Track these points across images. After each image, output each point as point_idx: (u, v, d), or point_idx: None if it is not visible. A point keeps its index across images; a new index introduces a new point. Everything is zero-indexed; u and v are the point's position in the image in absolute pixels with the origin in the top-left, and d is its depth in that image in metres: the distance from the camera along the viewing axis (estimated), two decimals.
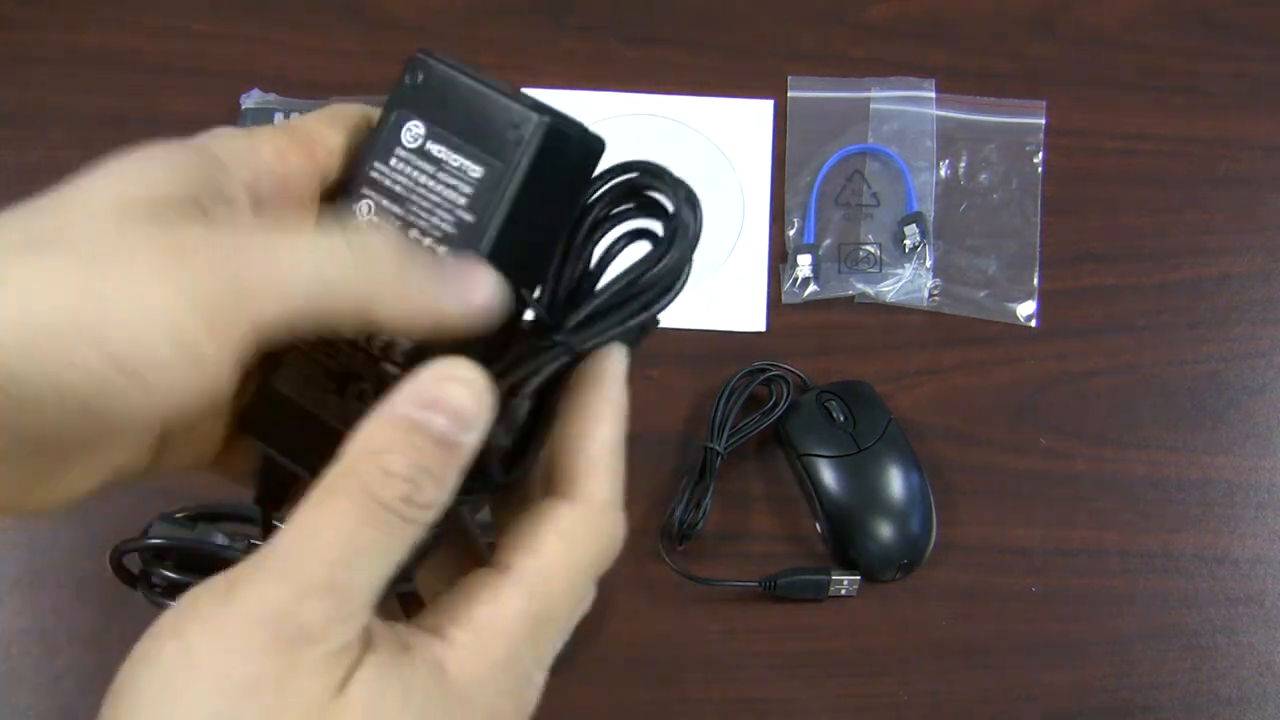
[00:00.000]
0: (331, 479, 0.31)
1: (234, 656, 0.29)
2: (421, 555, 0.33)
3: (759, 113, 0.79)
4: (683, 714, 0.69)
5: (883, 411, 0.72)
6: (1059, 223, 0.77)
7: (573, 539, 0.34)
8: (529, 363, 0.36)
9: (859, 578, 0.70)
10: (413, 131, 0.36)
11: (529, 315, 0.37)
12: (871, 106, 0.79)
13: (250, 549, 0.64)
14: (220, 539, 0.65)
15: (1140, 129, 0.79)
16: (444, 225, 0.36)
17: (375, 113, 0.37)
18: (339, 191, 0.37)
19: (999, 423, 0.74)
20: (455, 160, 0.36)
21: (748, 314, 0.76)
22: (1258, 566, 0.72)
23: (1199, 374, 0.75)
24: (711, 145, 0.78)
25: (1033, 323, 0.76)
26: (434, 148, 0.36)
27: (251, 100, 0.78)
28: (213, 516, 0.67)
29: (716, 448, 0.70)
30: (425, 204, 0.36)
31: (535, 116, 0.35)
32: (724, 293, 0.76)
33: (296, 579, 0.30)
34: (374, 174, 0.36)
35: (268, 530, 0.37)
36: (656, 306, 0.37)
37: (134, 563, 0.65)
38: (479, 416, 0.32)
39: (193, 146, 0.34)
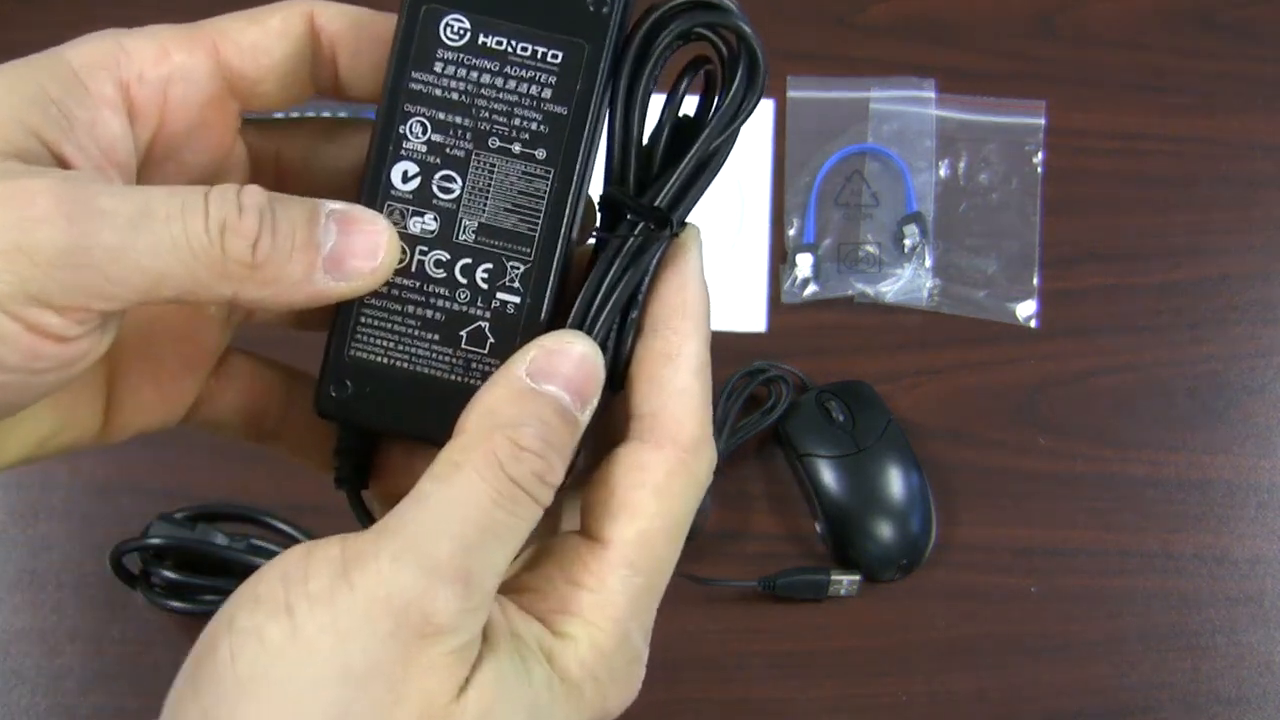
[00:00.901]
0: (458, 451, 0.29)
1: (352, 644, 0.26)
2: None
3: (759, 113, 0.79)
4: (683, 714, 0.69)
5: (882, 411, 0.72)
6: (1059, 223, 0.77)
7: (669, 494, 0.31)
8: (638, 262, 0.32)
9: (859, 578, 0.70)
10: (455, 26, 0.31)
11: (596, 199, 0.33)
12: (871, 106, 0.79)
13: (251, 549, 0.65)
14: (220, 539, 0.65)
15: (1140, 129, 0.79)
16: (531, 125, 0.31)
17: (318, 6, 0.33)
18: (377, 115, 0.32)
19: (999, 423, 0.74)
20: (523, 48, 0.31)
21: (747, 314, 0.76)
22: (1257, 566, 0.72)
23: (1199, 374, 0.75)
24: None
25: (1033, 323, 0.76)
26: (489, 40, 0.31)
27: None
28: (212, 516, 0.67)
29: (716, 448, 0.70)
30: (499, 106, 0.31)
31: None
32: (724, 293, 0.76)
33: (427, 561, 0.27)
34: (415, 86, 0.31)
35: (361, 514, 0.34)
36: (728, 152, 0.33)
37: (134, 563, 0.65)
38: (595, 393, 0.30)
39: (46, 65, 0.30)
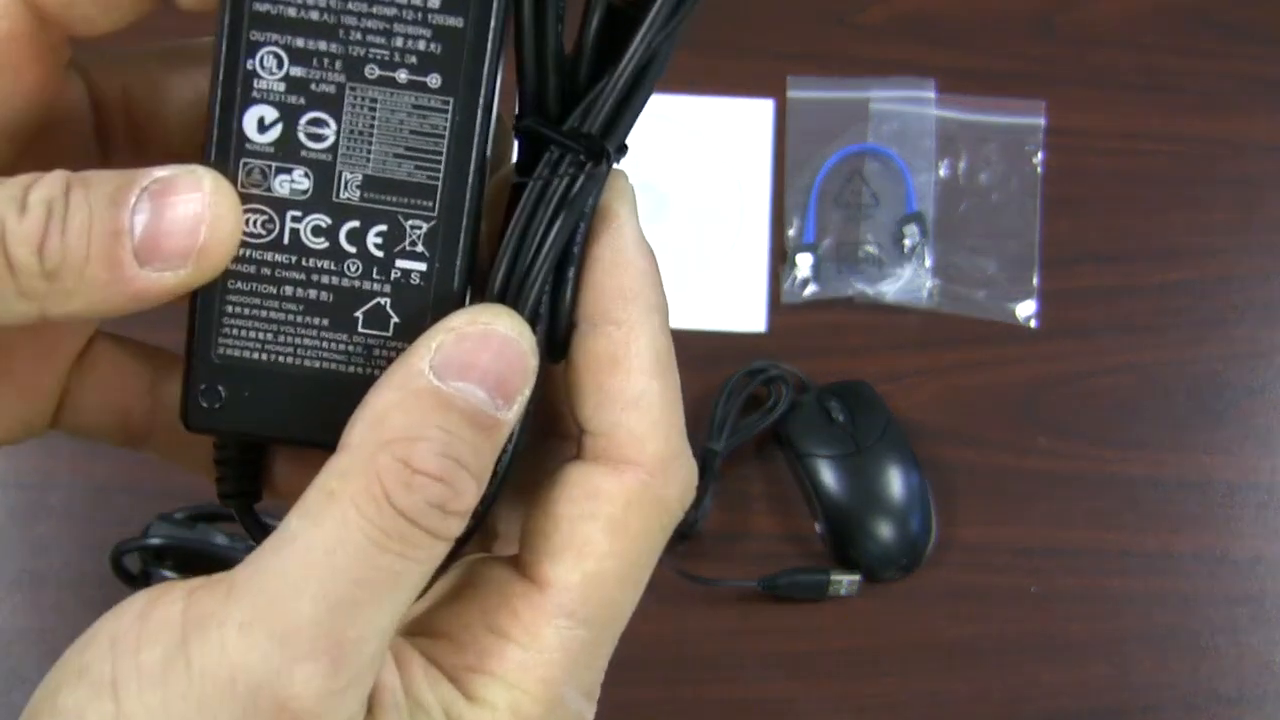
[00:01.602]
0: (335, 476, 0.23)
1: None
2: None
3: (759, 113, 0.79)
4: (683, 714, 0.69)
5: (882, 411, 0.72)
6: (1059, 223, 0.77)
7: (627, 530, 0.25)
8: (569, 204, 0.25)
9: (859, 578, 0.70)
10: None
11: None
12: (871, 107, 0.79)
13: (251, 549, 0.65)
14: (220, 539, 0.65)
15: (1140, 129, 0.79)
16: (418, 45, 0.25)
17: None
18: (215, 50, 0.25)
19: (999, 423, 0.74)
20: None
21: (748, 314, 0.76)
22: (1258, 566, 0.72)
23: (1199, 374, 0.75)
24: (711, 145, 0.78)
25: (1032, 323, 0.76)
26: None
27: None
28: (212, 516, 0.67)
29: (716, 448, 0.70)
30: (374, 24, 0.25)
31: None
32: (724, 293, 0.76)
33: (283, 630, 0.21)
34: (261, 7, 0.25)
35: (256, 531, 0.28)
36: (669, 54, 0.26)
37: (134, 563, 0.65)
38: (525, 384, 0.24)
39: None
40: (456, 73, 0.25)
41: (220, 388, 0.26)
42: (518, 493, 0.27)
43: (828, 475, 0.70)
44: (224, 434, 0.27)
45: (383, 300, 0.26)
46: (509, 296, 0.25)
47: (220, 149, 0.25)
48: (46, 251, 0.22)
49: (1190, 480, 0.73)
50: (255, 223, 0.26)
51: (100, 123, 0.29)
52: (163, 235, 0.23)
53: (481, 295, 0.26)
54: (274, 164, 0.26)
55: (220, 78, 0.25)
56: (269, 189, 0.26)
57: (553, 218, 0.25)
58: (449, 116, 0.25)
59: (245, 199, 0.25)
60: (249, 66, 0.25)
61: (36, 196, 0.23)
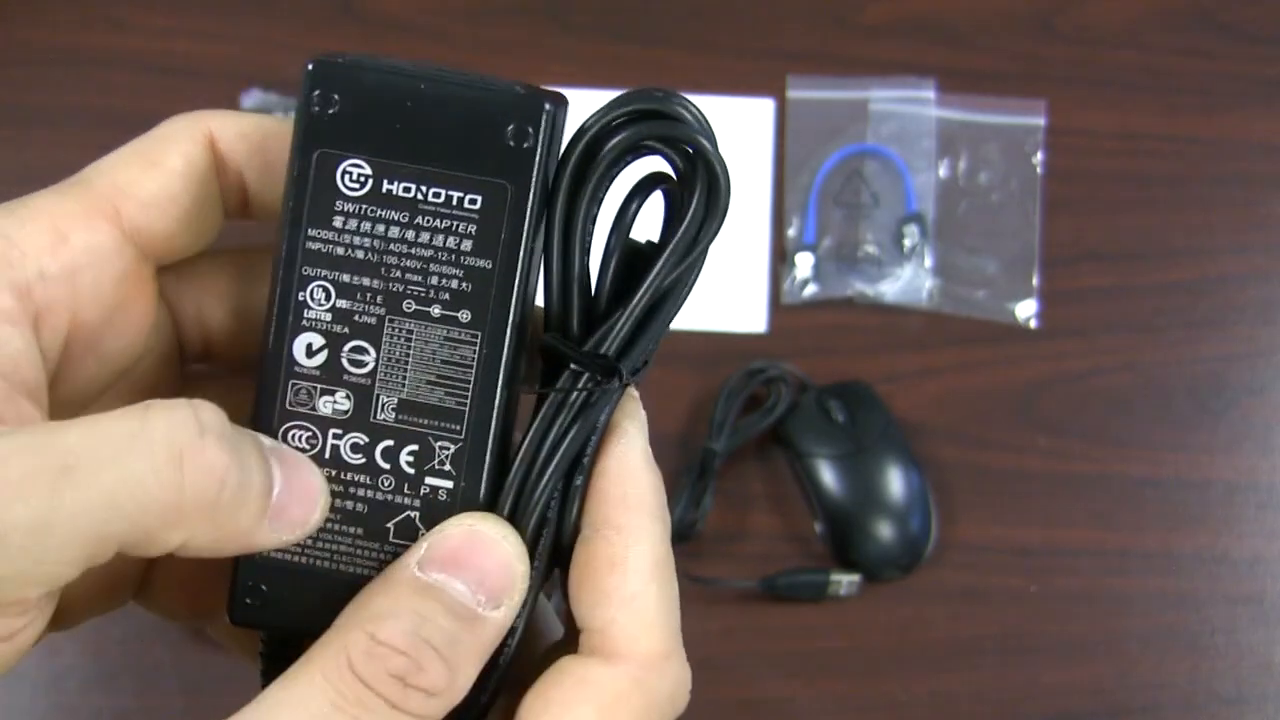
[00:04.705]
0: (316, 647, 0.25)
1: None
2: None
3: (759, 113, 0.79)
4: (683, 714, 0.69)
5: (882, 412, 0.72)
6: (1059, 223, 0.77)
7: (615, 716, 0.26)
8: (584, 418, 0.28)
9: (858, 578, 0.70)
10: (354, 173, 0.27)
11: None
12: (871, 107, 0.79)
13: None
14: None
15: (1140, 129, 0.79)
16: (451, 283, 0.27)
17: (216, 122, 0.28)
18: (272, 279, 0.27)
19: (999, 423, 0.74)
20: (436, 194, 0.27)
21: (747, 314, 0.76)
22: (1257, 566, 0.72)
23: (1199, 374, 0.75)
24: None
25: (1032, 323, 0.76)
26: (395, 187, 0.27)
27: (251, 100, 0.78)
28: None
29: (716, 448, 0.70)
30: (412, 263, 0.27)
31: (543, 104, 0.27)
32: (724, 293, 0.76)
33: None
34: (313, 246, 0.27)
35: None
36: (690, 285, 0.29)
37: None
38: (512, 588, 0.26)
39: None
40: (485, 309, 0.27)
41: (263, 586, 0.28)
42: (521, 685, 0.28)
43: (828, 475, 0.70)
44: (263, 628, 0.29)
45: (412, 513, 0.28)
46: (521, 499, 0.28)
47: (271, 370, 0.28)
48: (228, 482, 0.23)
49: (1190, 480, 0.73)
50: (300, 438, 0.28)
51: (184, 341, 0.30)
52: (292, 503, 0.25)
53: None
54: (319, 386, 0.28)
55: (276, 305, 0.28)
56: (314, 408, 0.28)
57: (566, 429, 0.28)
58: (477, 349, 0.27)
59: (291, 416, 0.28)
60: (300, 298, 0.27)
61: (209, 418, 0.23)
